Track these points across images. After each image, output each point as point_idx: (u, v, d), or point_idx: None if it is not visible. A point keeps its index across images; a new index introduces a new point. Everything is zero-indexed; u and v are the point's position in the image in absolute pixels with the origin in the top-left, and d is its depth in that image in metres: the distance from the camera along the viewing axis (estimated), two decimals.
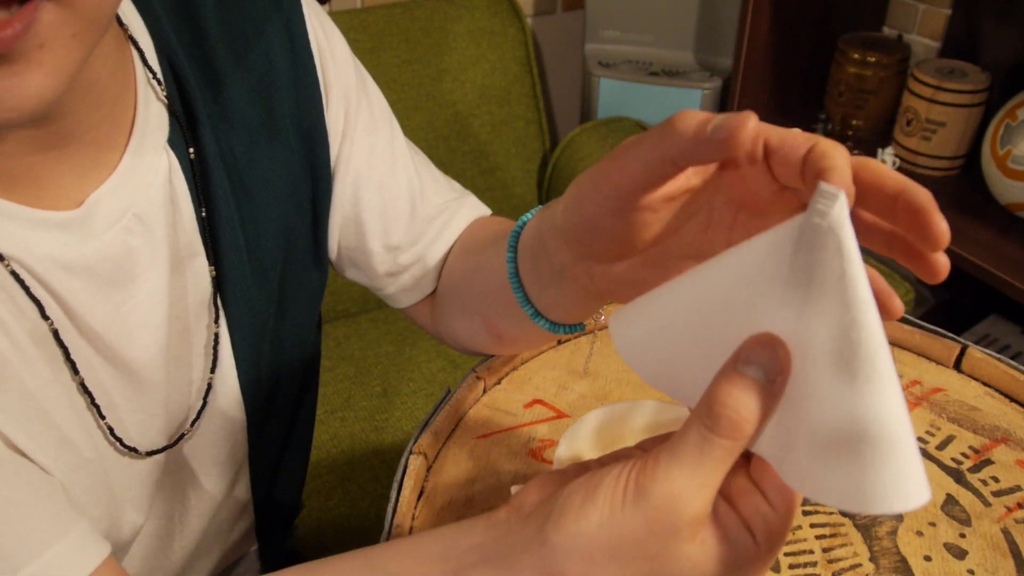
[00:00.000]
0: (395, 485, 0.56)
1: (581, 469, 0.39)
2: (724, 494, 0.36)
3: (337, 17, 1.48)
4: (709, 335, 0.37)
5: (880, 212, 0.36)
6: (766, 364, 0.34)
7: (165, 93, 0.52)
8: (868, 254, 0.35)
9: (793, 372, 0.34)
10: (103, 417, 0.51)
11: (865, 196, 0.36)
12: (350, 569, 0.42)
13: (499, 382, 0.68)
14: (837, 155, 0.33)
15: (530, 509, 0.38)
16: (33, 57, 0.37)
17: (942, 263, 0.36)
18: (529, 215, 0.51)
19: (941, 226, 0.34)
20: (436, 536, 0.40)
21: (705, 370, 0.36)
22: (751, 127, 0.34)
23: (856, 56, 1.47)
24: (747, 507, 0.35)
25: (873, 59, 1.46)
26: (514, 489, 0.51)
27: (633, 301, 0.40)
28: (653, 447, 0.36)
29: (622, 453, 0.39)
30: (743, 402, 0.33)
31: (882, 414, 0.31)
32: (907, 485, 0.31)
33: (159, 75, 0.52)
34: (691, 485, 0.34)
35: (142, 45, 0.51)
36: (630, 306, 0.40)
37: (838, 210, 0.31)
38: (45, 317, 0.46)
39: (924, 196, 0.34)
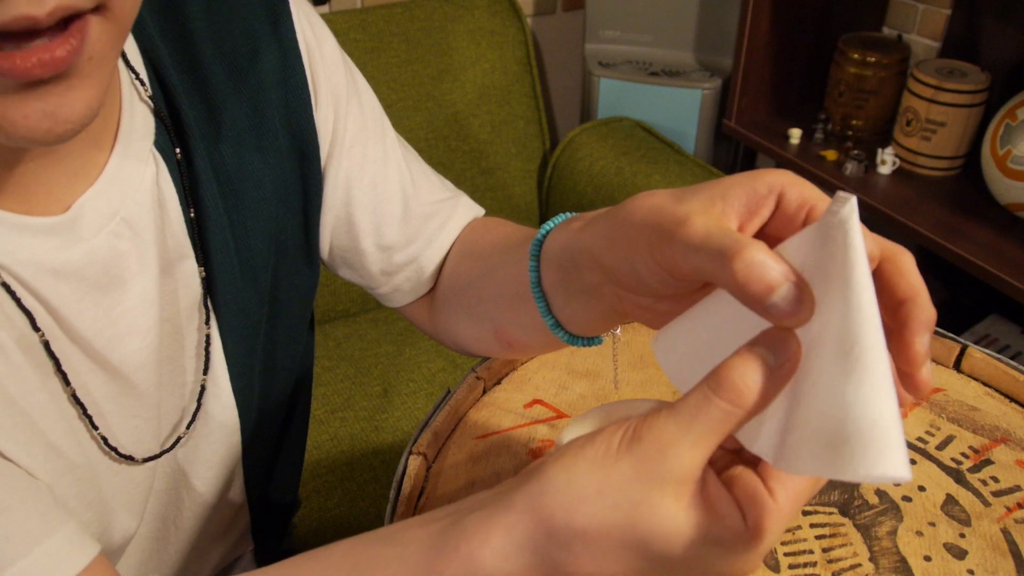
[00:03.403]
0: (395, 485, 0.56)
1: None
2: (722, 477, 0.36)
3: (337, 17, 1.48)
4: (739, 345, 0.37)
5: (886, 306, 0.37)
6: (778, 348, 0.35)
7: (149, 94, 0.52)
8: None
9: (800, 367, 0.35)
10: (96, 428, 0.50)
11: (879, 287, 0.36)
12: (342, 548, 0.42)
13: (499, 382, 0.68)
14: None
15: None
16: (84, 70, 0.38)
17: (921, 382, 0.36)
18: (551, 224, 0.49)
19: (919, 351, 0.35)
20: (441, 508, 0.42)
21: None
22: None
23: (856, 56, 1.46)
24: (743, 490, 0.35)
25: (873, 59, 1.46)
26: None
27: (672, 322, 0.41)
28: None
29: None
30: (749, 372, 0.34)
31: (872, 399, 0.32)
32: (889, 456, 0.31)
33: (142, 75, 0.51)
34: (682, 439, 0.34)
35: (124, 47, 0.51)
36: (669, 327, 0.41)
37: (848, 210, 0.33)
38: (36, 328, 0.46)
39: (923, 317, 0.35)
